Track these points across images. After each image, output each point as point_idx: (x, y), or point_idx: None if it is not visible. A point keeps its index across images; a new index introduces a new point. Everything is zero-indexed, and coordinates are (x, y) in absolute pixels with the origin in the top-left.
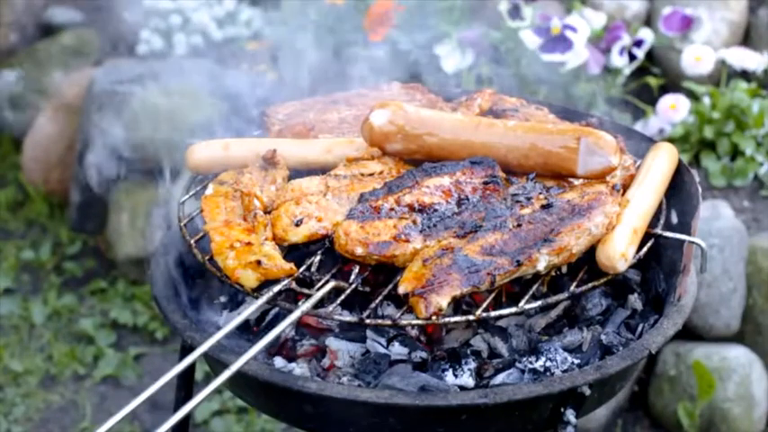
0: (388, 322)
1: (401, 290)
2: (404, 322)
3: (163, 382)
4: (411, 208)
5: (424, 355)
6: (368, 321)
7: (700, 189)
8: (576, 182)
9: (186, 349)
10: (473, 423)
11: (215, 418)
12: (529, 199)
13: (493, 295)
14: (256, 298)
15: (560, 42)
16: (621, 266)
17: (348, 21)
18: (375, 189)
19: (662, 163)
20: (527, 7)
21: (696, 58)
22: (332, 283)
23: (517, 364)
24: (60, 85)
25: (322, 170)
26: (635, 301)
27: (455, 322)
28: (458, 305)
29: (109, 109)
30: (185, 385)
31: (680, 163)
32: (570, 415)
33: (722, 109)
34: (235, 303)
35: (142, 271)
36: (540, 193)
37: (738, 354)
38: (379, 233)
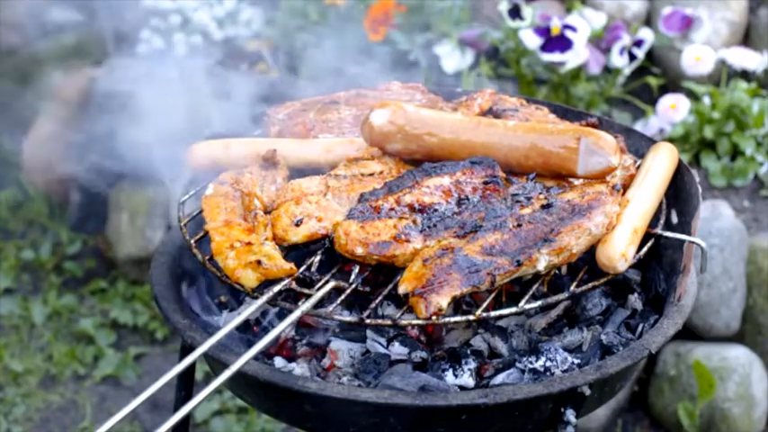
0: (388, 322)
1: (401, 290)
2: (404, 322)
3: (163, 382)
4: (411, 208)
5: (424, 355)
6: (368, 321)
7: (700, 189)
8: (576, 182)
9: (186, 349)
10: (473, 423)
11: (215, 418)
12: (529, 199)
13: (493, 295)
14: (256, 298)
15: (560, 42)
16: (621, 266)
17: (348, 20)
18: (375, 189)
19: (662, 163)
20: (527, 7)
21: (696, 58)
22: (332, 283)
23: (517, 364)
24: (60, 85)
25: (322, 170)
26: (635, 301)
27: (455, 322)
28: (458, 305)
29: (109, 109)
30: (185, 385)
31: (680, 163)
32: (570, 415)
33: (722, 109)
34: (235, 303)
35: (142, 271)
36: (540, 193)
37: (738, 354)
38: (379, 233)
